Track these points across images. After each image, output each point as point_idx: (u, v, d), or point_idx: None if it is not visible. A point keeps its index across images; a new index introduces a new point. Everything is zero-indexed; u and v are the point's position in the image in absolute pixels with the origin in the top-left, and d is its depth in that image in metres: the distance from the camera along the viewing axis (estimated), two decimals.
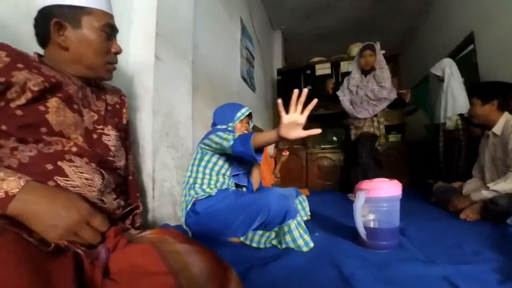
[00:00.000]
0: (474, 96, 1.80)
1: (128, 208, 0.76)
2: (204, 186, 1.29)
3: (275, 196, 1.12)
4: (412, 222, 1.44)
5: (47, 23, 0.69)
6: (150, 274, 0.49)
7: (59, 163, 0.62)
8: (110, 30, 0.77)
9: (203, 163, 1.33)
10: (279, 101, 0.96)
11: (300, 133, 0.97)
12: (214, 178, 1.31)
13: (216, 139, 1.24)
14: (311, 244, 1.06)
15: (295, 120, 0.94)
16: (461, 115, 2.59)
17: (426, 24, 4.65)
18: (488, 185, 1.62)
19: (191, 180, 1.32)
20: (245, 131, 1.45)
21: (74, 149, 0.65)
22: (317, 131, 0.99)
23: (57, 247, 0.50)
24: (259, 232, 1.16)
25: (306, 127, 0.95)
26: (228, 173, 1.37)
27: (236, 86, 2.88)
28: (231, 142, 1.16)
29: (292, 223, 1.07)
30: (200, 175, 1.31)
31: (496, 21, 2.85)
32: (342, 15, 4.53)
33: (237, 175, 1.40)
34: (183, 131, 1.60)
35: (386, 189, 1.10)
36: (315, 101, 0.94)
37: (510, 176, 1.53)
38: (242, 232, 1.15)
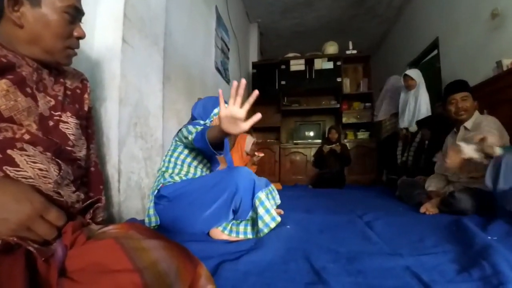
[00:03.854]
0: (466, 91, 1.83)
1: (88, 202, 0.70)
2: (174, 175, 1.28)
3: (241, 171, 1.15)
4: (379, 216, 1.51)
5: None
6: (113, 272, 0.45)
7: (9, 151, 0.55)
8: (74, 12, 0.69)
9: (175, 154, 1.33)
10: (220, 91, 0.90)
11: (242, 127, 0.88)
12: (185, 169, 1.31)
13: (185, 133, 1.22)
14: (278, 219, 1.10)
15: (233, 114, 0.86)
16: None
17: (397, 28, 4.87)
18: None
19: (163, 169, 1.32)
20: None
21: (27, 136, 0.59)
22: (258, 116, 0.89)
23: (5, 244, 0.44)
24: (237, 222, 1.16)
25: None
26: (201, 165, 1.36)
27: (211, 77, 2.81)
28: (193, 136, 1.12)
29: (262, 194, 1.10)
30: (171, 165, 1.31)
31: (459, 28, 3.05)
32: (321, 14, 4.60)
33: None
34: (153, 121, 1.53)
35: None
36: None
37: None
38: (214, 219, 1.14)
